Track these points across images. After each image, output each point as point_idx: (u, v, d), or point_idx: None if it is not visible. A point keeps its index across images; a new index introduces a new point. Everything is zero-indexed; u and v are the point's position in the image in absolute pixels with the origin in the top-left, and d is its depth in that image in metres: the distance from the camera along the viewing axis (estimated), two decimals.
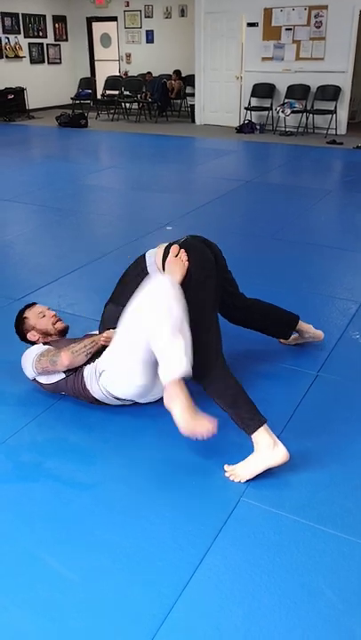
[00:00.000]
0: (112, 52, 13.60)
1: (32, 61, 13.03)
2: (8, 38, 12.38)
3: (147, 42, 12.94)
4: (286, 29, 9.67)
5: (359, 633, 1.51)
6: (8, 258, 4.32)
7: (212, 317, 2.23)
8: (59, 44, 13.63)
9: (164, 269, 2.26)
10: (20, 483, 2.04)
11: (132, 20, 12.92)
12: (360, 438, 2.25)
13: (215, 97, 10.85)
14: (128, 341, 2.09)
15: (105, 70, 13.42)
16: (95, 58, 14.01)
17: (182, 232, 2.55)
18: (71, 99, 12.57)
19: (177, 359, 1.93)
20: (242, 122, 10.42)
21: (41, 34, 13.12)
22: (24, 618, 1.56)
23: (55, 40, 13.51)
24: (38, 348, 2.41)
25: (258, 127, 10.21)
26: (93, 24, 13.62)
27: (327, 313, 3.30)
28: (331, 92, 9.59)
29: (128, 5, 12.83)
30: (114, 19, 13.14)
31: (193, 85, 11.21)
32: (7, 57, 12.42)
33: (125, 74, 13.04)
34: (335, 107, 9.57)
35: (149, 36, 12.85)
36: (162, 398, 2.12)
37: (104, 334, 2.37)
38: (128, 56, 13.33)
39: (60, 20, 13.48)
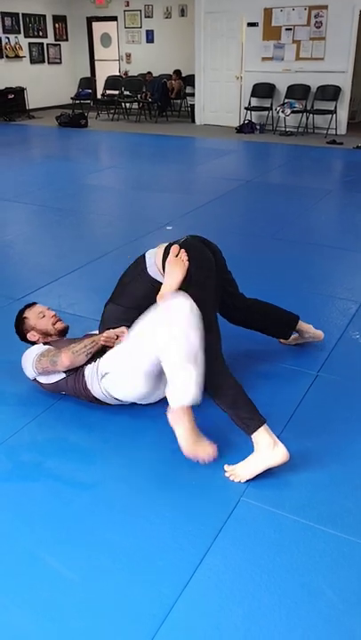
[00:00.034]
0: (112, 51, 13.60)
1: (32, 61, 13.03)
2: (8, 38, 12.38)
3: (147, 42, 12.94)
4: (286, 29, 9.67)
5: (360, 633, 1.51)
6: (8, 258, 4.32)
7: (211, 318, 2.23)
8: (59, 44, 13.63)
9: (164, 269, 2.26)
10: (21, 482, 2.04)
11: (132, 20, 12.93)
12: (360, 438, 2.25)
13: (215, 97, 10.85)
14: (137, 351, 2.09)
15: (105, 70, 13.42)
16: (95, 58, 14.01)
17: (182, 232, 2.55)
18: (71, 98, 12.57)
19: (188, 387, 1.94)
20: (242, 122, 10.42)
21: (41, 34, 13.12)
22: (24, 618, 1.56)
23: (55, 40, 13.51)
24: (38, 348, 2.41)
25: (258, 127, 10.21)
26: (93, 24, 13.63)
27: (327, 313, 3.30)
28: (331, 92, 9.59)
29: (128, 5, 12.83)
30: (114, 18, 13.15)
31: (193, 85, 11.21)
32: (7, 57, 12.42)
33: (125, 74, 13.04)
34: (335, 107, 9.57)
35: (149, 36, 12.85)
36: (162, 400, 2.14)
37: (104, 334, 2.37)
38: (128, 56, 13.33)
39: (60, 19, 13.48)
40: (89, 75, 13.77)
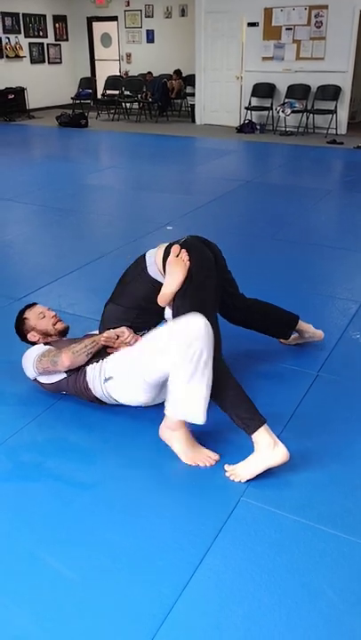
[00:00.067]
0: (112, 51, 13.60)
1: (32, 61, 13.03)
2: (8, 38, 12.38)
3: (147, 41, 12.95)
4: (287, 29, 9.67)
5: (360, 633, 1.51)
6: (8, 258, 4.32)
7: (211, 318, 2.23)
8: (59, 44, 13.63)
9: (164, 269, 2.26)
10: (21, 482, 2.04)
11: (132, 20, 12.93)
12: (360, 438, 2.25)
13: (215, 97, 10.85)
14: (147, 364, 2.11)
15: (105, 70, 13.42)
16: (95, 57, 14.01)
17: (182, 232, 2.55)
18: (71, 98, 12.57)
19: (194, 404, 2.02)
20: (242, 122, 10.42)
21: (41, 33, 13.12)
22: (24, 618, 1.56)
23: (55, 40, 13.51)
24: (39, 349, 2.41)
25: (258, 127, 10.21)
26: (94, 24, 13.63)
27: (327, 313, 3.30)
28: (331, 92, 9.59)
29: (128, 5, 12.83)
30: (114, 18, 13.15)
31: (193, 85, 11.20)
32: (7, 57, 12.43)
33: (126, 73, 13.04)
34: (335, 107, 9.57)
35: (150, 36, 12.85)
36: (162, 402, 2.15)
37: (104, 334, 2.37)
38: (128, 56, 13.33)
39: (60, 19, 13.48)
40: (89, 75, 13.78)
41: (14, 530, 1.83)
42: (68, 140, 10.02)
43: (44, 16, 13.06)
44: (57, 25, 13.44)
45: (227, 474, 2.04)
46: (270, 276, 3.80)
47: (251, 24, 9.94)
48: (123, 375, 2.22)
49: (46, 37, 13.26)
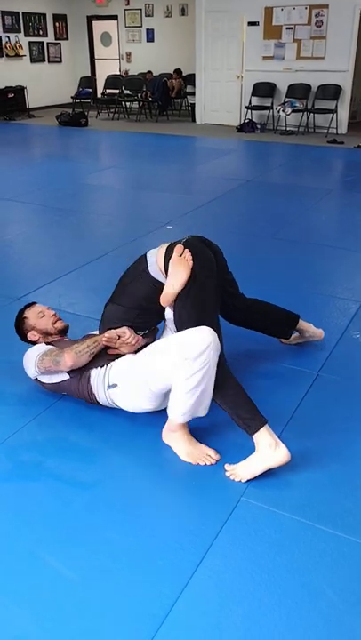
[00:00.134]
0: (112, 50, 13.59)
1: (32, 60, 13.02)
2: (8, 37, 12.37)
3: (147, 41, 12.94)
4: (287, 28, 9.66)
5: (360, 633, 1.51)
6: (8, 257, 4.32)
7: (212, 318, 2.23)
8: (59, 43, 13.62)
9: (165, 269, 2.25)
10: (21, 482, 2.04)
11: (132, 19, 12.92)
12: (360, 438, 2.25)
13: (216, 96, 10.84)
14: (153, 376, 2.12)
15: (105, 69, 13.41)
16: (95, 56, 14.00)
17: (183, 231, 2.55)
18: (71, 97, 12.56)
19: (197, 408, 2.07)
20: (242, 121, 10.41)
21: (41, 32, 13.11)
22: (24, 617, 1.56)
23: (55, 39, 13.50)
24: (40, 348, 2.40)
25: (258, 126, 10.21)
26: (94, 23, 13.62)
27: (328, 313, 3.29)
28: (331, 92, 9.59)
29: (129, 4, 12.82)
30: (114, 17, 13.14)
31: (193, 84, 11.20)
32: (7, 56, 12.41)
33: (126, 73, 13.03)
34: (336, 106, 9.56)
35: (150, 35, 12.85)
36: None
37: (106, 334, 2.37)
38: (128, 55, 13.32)
39: (60, 18, 13.47)
40: (89, 74, 13.77)
41: (14, 530, 1.83)
42: (67, 139, 10.02)
43: (44, 15, 13.05)
44: (57, 24, 13.43)
45: (227, 473, 2.04)
46: (271, 276, 3.80)
47: (251, 23, 9.94)
48: (128, 384, 2.23)
49: (46, 36, 13.25)
